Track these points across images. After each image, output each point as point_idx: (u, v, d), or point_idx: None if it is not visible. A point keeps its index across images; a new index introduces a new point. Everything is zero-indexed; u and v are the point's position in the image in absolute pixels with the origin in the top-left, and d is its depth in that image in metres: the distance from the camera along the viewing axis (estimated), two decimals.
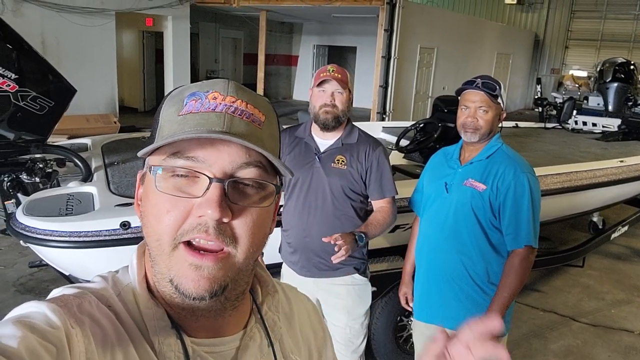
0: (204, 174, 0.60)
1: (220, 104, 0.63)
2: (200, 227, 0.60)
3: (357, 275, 2.38)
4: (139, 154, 0.63)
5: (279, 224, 2.48)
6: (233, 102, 0.63)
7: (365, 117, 11.49)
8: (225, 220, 0.60)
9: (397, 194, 2.34)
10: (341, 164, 2.27)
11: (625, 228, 5.05)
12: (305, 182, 2.30)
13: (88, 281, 2.20)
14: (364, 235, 2.20)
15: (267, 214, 0.65)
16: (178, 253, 0.60)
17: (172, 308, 0.64)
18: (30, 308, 0.57)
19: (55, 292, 0.64)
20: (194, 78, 13.22)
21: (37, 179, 3.06)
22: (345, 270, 2.36)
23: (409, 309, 2.46)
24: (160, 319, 0.64)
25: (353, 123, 2.38)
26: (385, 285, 2.96)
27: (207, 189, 0.60)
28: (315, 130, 2.33)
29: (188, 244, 0.60)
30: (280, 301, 0.80)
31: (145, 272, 0.67)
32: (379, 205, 2.34)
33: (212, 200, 0.59)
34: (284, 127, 3.94)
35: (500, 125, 2.18)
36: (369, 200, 2.37)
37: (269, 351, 0.73)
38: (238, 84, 0.66)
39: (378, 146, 2.32)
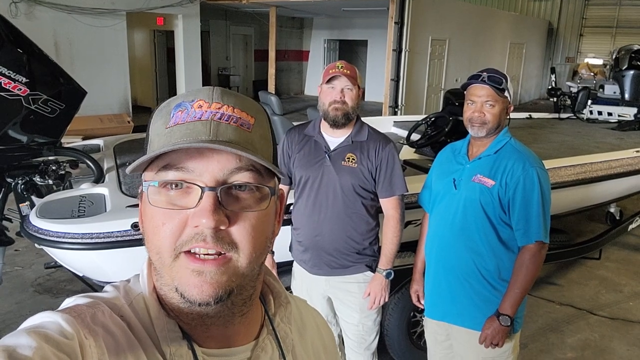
0: (196, 184, 0.60)
1: (205, 111, 0.62)
2: (198, 237, 0.60)
3: (368, 273, 2.37)
4: (127, 170, 0.64)
5: (288, 222, 2.48)
6: (219, 108, 0.63)
7: (377, 111, 11.45)
8: (222, 227, 0.60)
9: (407, 191, 2.33)
10: (351, 162, 2.25)
11: None
12: (316, 180, 2.29)
13: (102, 282, 2.21)
14: (391, 271, 2.37)
15: (266, 217, 0.65)
16: (179, 262, 0.61)
17: (181, 318, 0.65)
18: (44, 318, 0.58)
19: (68, 302, 0.64)
20: (206, 76, 13.28)
21: (51, 181, 3.10)
22: (357, 268, 2.36)
23: (421, 307, 2.44)
24: (171, 330, 0.64)
25: (362, 120, 2.36)
26: (397, 282, 2.94)
27: (200, 198, 0.60)
28: (324, 128, 2.31)
29: (188, 252, 0.61)
30: (293, 313, 0.79)
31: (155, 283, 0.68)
32: (387, 206, 2.33)
33: (205, 210, 0.59)
34: (294, 124, 3.93)
35: (508, 118, 2.15)
36: (378, 198, 2.35)
37: None
38: (224, 89, 0.66)
39: (388, 143, 2.31)
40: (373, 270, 2.38)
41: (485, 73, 2.06)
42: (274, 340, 0.73)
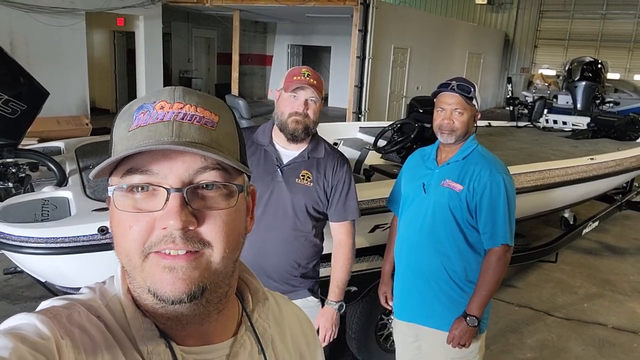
0: (162, 187, 0.60)
1: (168, 112, 0.62)
2: (166, 239, 0.60)
3: (310, 298, 2.18)
4: (90, 175, 0.64)
5: None
6: (181, 108, 0.63)
7: (341, 117, 11.55)
8: (190, 227, 0.60)
9: (359, 217, 2.17)
10: (307, 180, 2.04)
11: (596, 223, 5.18)
12: (263, 197, 2.02)
13: (65, 287, 2.14)
14: (343, 304, 2.17)
15: (236, 213, 0.65)
16: (150, 261, 0.61)
17: (157, 318, 0.65)
18: (20, 320, 0.58)
19: (44, 304, 0.64)
20: (167, 78, 13.08)
21: (10, 184, 3.00)
22: (299, 293, 2.14)
23: (389, 308, 2.49)
24: (148, 329, 0.64)
25: (319, 135, 2.16)
26: (365, 285, 2.99)
27: (167, 200, 0.60)
28: (278, 139, 2.07)
29: (158, 252, 0.61)
30: (272, 309, 0.80)
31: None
32: (339, 231, 2.15)
33: (172, 211, 0.59)
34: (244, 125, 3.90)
35: (475, 126, 2.22)
36: (329, 221, 2.15)
37: (260, 358, 0.73)
38: (186, 89, 0.66)
39: (345, 163, 2.14)
40: (314, 294, 2.19)
41: (454, 82, 2.13)
42: (252, 336, 0.74)
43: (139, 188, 0.61)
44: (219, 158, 0.60)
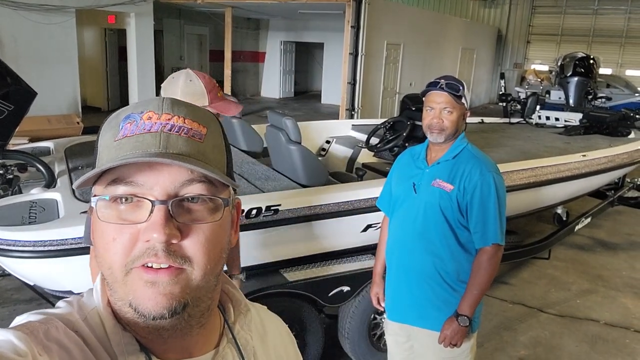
0: (146, 199, 0.59)
1: (155, 123, 0.61)
2: (149, 252, 0.59)
3: None
4: (74, 185, 0.62)
5: (246, 228, 2.43)
6: (169, 119, 0.62)
7: (333, 114, 11.53)
8: (174, 241, 0.59)
9: None
10: None
11: (589, 219, 5.20)
12: None
13: (54, 291, 2.10)
14: (242, 272, 2.30)
15: (220, 228, 0.64)
16: (132, 275, 0.60)
17: (138, 332, 0.64)
18: None
19: (20, 319, 0.62)
20: (159, 75, 13.00)
21: None
22: None
23: (381, 309, 2.47)
24: (128, 343, 0.63)
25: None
26: (358, 285, 2.98)
27: (151, 212, 0.59)
28: None
29: (141, 266, 0.60)
30: (253, 320, 0.79)
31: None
32: None
33: (156, 224, 0.58)
34: (252, 127, 3.87)
35: (465, 124, 2.20)
36: None
37: None
38: (174, 99, 0.65)
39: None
40: None
41: (443, 80, 2.11)
42: (234, 348, 0.73)
43: (123, 199, 0.60)
44: (205, 171, 0.59)
